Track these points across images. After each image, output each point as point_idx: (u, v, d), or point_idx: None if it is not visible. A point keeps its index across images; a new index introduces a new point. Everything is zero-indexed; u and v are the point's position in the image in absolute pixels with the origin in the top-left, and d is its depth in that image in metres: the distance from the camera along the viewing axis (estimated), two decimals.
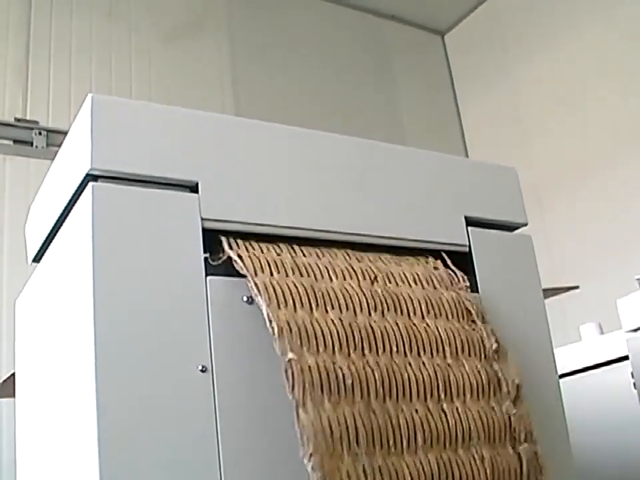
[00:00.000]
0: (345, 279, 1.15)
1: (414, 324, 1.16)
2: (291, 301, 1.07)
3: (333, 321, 1.08)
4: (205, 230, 1.11)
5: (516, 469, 1.15)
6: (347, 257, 1.21)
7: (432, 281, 1.26)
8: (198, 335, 1.05)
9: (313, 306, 1.09)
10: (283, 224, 1.18)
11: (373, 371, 1.07)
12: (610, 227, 3.63)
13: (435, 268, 1.29)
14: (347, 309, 1.11)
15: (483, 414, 1.15)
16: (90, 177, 1.07)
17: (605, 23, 3.88)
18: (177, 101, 1.19)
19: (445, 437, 1.10)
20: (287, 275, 1.11)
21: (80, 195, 1.10)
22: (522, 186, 1.49)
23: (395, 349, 1.12)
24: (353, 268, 1.18)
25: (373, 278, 1.18)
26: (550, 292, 2.07)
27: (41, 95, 3.43)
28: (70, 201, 1.14)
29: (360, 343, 1.09)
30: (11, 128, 3.31)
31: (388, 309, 1.15)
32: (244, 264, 1.08)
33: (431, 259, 1.32)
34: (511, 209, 1.45)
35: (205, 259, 1.10)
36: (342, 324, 1.08)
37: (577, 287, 2.19)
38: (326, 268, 1.15)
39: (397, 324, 1.14)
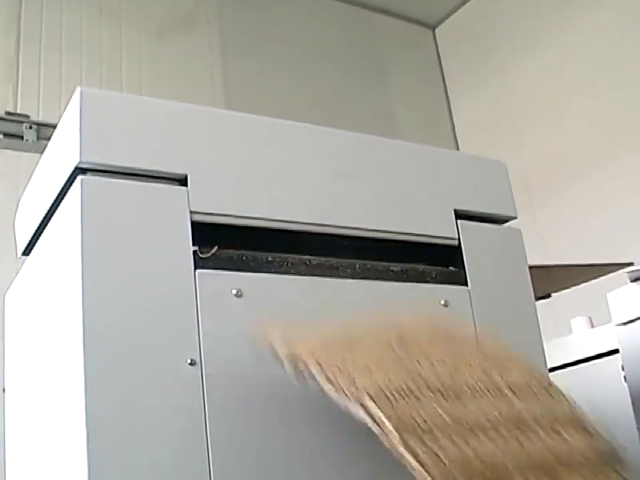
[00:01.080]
0: None
1: None
2: None
3: None
4: (194, 223, 1.11)
5: None
6: None
7: None
8: (187, 328, 1.05)
9: None
10: (272, 217, 1.18)
11: None
12: (600, 221, 3.63)
13: None
14: None
15: None
16: (79, 170, 1.07)
17: (597, 18, 3.88)
18: (168, 97, 1.19)
19: None
20: None
21: (69, 188, 1.09)
22: (513, 180, 1.49)
23: None
24: None
25: None
26: (604, 268, 2.04)
27: (31, 89, 3.42)
28: (59, 194, 1.14)
29: None
30: (1, 121, 3.30)
31: None
32: None
33: None
34: (500, 202, 1.45)
35: (194, 252, 1.09)
36: None
37: (631, 264, 2.14)
38: None
39: None
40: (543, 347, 1.40)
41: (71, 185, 1.09)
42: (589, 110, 3.82)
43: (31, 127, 3.33)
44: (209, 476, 1.00)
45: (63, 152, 1.14)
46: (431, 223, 1.35)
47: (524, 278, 1.43)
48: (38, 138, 3.31)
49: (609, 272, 2.02)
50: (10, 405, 1.42)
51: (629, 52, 3.67)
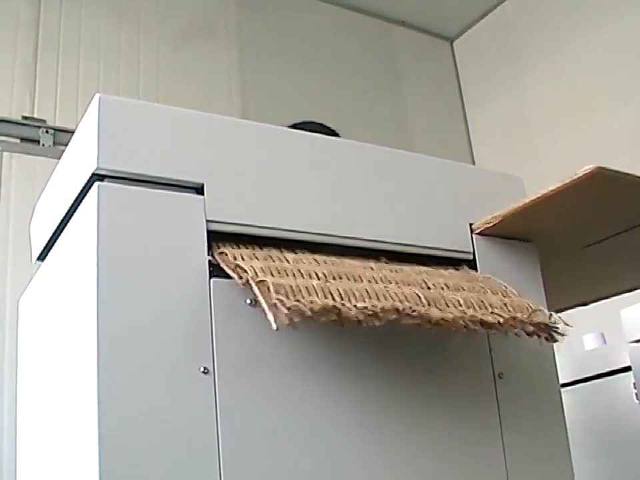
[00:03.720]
0: None
1: None
2: None
3: None
4: (209, 232, 1.11)
5: None
6: None
7: None
8: (201, 336, 1.05)
9: None
10: (287, 227, 1.18)
11: None
12: None
13: None
14: None
15: None
16: (96, 177, 1.07)
17: (614, 31, 3.88)
18: (184, 104, 1.19)
19: None
20: None
21: (85, 194, 1.10)
22: (529, 194, 1.48)
23: None
24: None
25: None
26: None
27: (48, 94, 3.44)
28: (75, 200, 1.14)
29: None
30: (18, 126, 3.32)
31: None
32: None
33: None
34: None
35: (210, 260, 1.09)
36: None
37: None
38: None
39: None
40: (555, 363, 1.39)
41: (87, 191, 1.09)
42: (606, 122, 3.81)
43: (47, 132, 3.34)
44: None
45: (80, 158, 1.14)
46: (446, 237, 1.35)
47: (538, 292, 1.42)
48: (54, 143, 3.32)
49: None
50: (23, 409, 1.42)
51: None
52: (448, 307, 1.14)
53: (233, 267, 1.07)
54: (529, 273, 1.43)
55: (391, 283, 1.15)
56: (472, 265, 1.36)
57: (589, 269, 1.72)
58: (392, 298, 1.09)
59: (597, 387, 2.63)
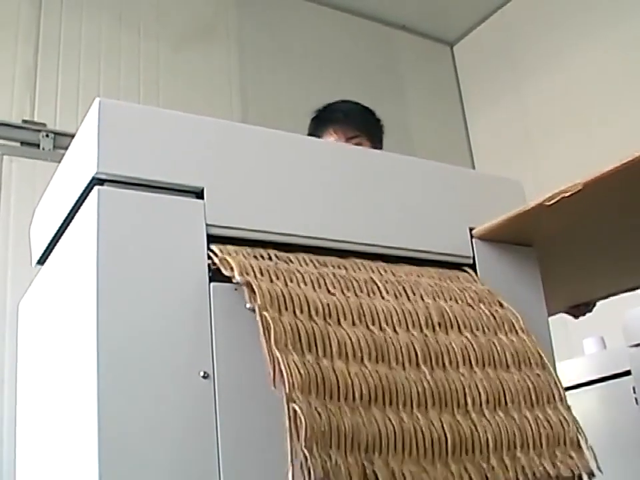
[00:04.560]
0: None
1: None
2: None
3: None
4: (209, 236, 1.11)
5: None
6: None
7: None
8: (200, 341, 1.05)
9: None
10: (287, 232, 1.18)
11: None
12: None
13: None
14: None
15: None
16: (96, 181, 1.07)
17: (615, 36, 3.88)
18: (185, 107, 1.20)
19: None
20: None
21: (85, 198, 1.10)
22: (528, 198, 1.48)
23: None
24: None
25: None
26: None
27: (49, 98, 3.44)
28: (75, 204, 1.14)
29: None
30: (18, 129, 3.32)
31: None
32: None
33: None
34: None
35: (209, 264, 1.09)
36: None
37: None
38: None
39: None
40: (555, 367, 1.39)
41: (87, 195, 1.09)
42: (606, 126, 3.81)
43: (47, 136, 3.34)
44: None
45: (81, 162, 1.14)
46: (446, 241, 1.35)
47: (538, 297, 1.42)
48: (54, 146, 3.33)
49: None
50: (23, 413, 1.42)
51: None
52: (481, 452, 1.08)
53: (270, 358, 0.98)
54: (529, 278, 1.42)
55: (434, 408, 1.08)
56: (472, 269, 1.36)
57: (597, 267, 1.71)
58: None
59: (597, 391, 2.62)
